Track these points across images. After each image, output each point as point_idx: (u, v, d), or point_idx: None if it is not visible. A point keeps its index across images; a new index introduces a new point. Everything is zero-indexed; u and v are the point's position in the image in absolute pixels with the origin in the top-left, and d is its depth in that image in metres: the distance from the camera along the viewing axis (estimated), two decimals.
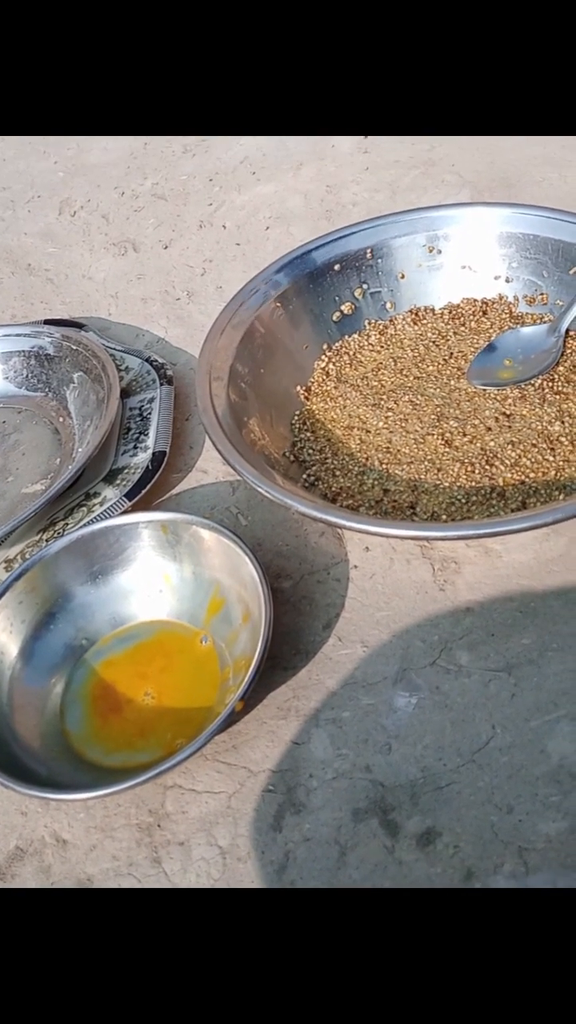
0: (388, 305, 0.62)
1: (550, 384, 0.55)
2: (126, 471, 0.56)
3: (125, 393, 0.61)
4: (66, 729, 0.46)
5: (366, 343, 0.61)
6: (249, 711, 0.45)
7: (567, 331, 0.57)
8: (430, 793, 0.41)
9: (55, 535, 0.53)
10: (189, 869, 0.41)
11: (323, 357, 0.61)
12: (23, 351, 0.66)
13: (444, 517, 0.49)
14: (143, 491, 0.54)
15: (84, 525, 0.51)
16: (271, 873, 0.40)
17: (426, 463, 0.52)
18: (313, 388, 0.59)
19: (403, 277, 0.62)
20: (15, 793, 0.41)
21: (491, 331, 0.59)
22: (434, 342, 0.60)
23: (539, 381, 0.55)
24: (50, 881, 0.42)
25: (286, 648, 0.47)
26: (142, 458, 0.56)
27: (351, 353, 0.61)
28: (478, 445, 0.52)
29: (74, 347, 0.64)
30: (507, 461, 0.51)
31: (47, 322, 0.68)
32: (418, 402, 0.56)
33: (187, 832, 0.42)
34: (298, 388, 0.59)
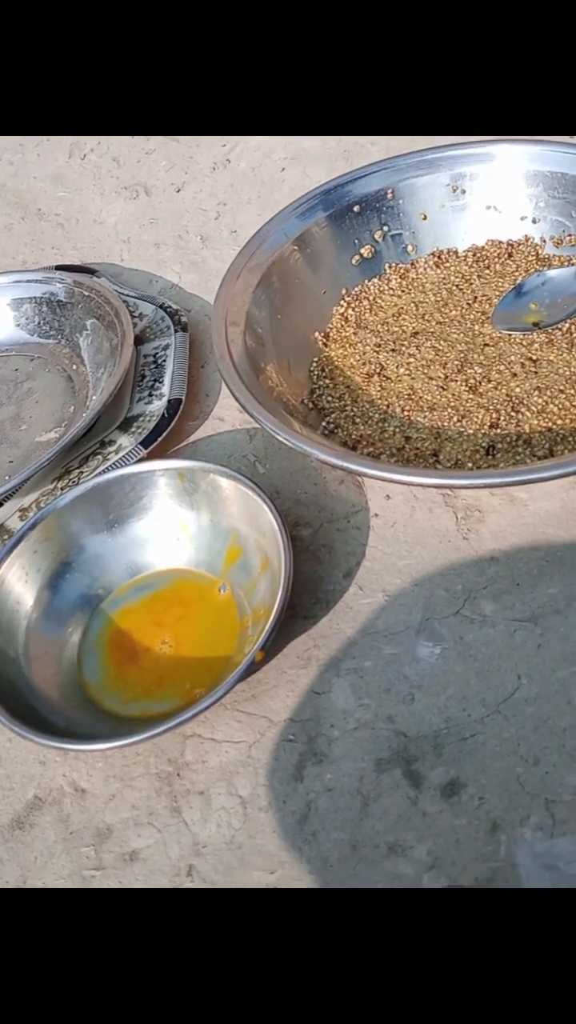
0: (409, 248, 0.60)
1: None
2: (141, 419, 0.55)
3: (139, 340, 0.60)
4: (83, 679, 0.45)
5: (386, 287, 0.59)
6: (269, 660, 0.44)
7: None
8: (454, 744, 0.40)
9: (70, 484, 0.52)
10: (209, 818, 0.40)
11: (342, 302, 0.59)
12: (34, 297, 0.64)
13: (468, 465, 0.48)
14: (159, 439, 0.53)
15: (99, 473, 0.50)
16: (292, 823, 0.39)
17: (449, 410, 0.51)
18: (332, 334, 0.58)
19: (425, 218, 0.60)
20: (33, 743, 0.41)
21: (517, 274, 0.57)
22: (457, 286, 0.58)
23: (567, 325, 0.53)
24: (69, 831, 0.41)
25: (306, 597, 0.46)
26: (157, 406, 0.55)
27: (371, 298, 0.59)
28: (503, 391, 0.51)
29: (86, 293, 0.62)
30: (533, 408, 0.50)
31: (58, 268, 0.67)
32: (440, 348, 0.54)
33: (207, 781, 0.41)
34: (316, 334, 0.58)
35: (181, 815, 0.41)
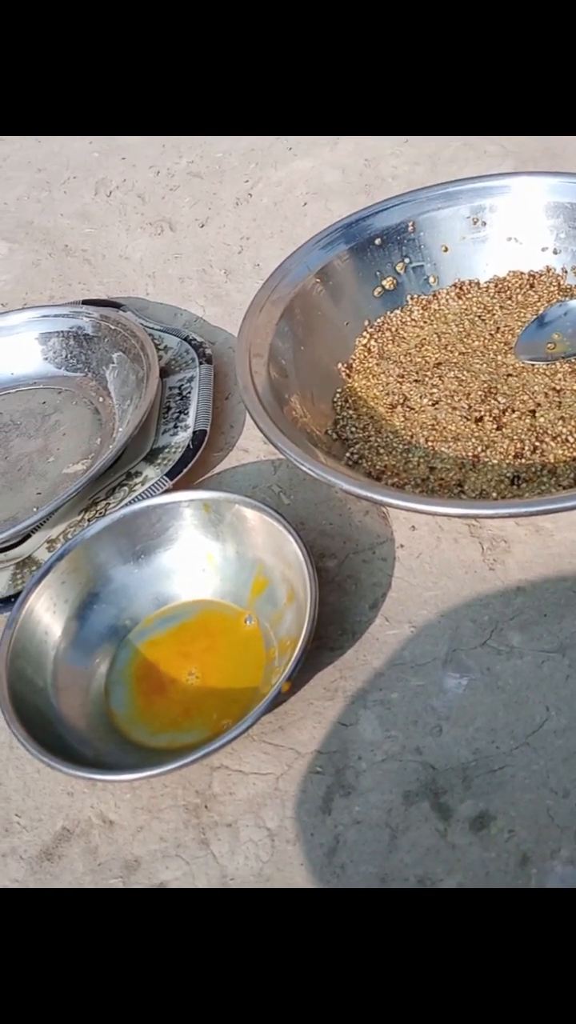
0: (431, 279, 0.61)
1: None
2: (167, 450, 0.55)
3: (164, 372, 0.61)
4: (111, 709, 0.45)
5: (409, 319, 0.60)
6: (295, 692, 0.44)
7: None
8: (483, 776, 0.40)
9: (97, 515, 0.53)
10: (237, 851, 0.40)
11: (365, 333, 0.60)
12: (62, 332, 0.65)
13: (493, 495, 0.48)
14: (184, 470, 0.53)
15: (126, 505, 0.51)
16: (320, 856, 0.39)
17: (473, 440, 0.51)
18: (355, 365, 0.58)
19: (446, 250, 0.61)
20: (61, 774, 0.41)
21: (539, 304, 0.58)
22: (479, 316, 0.59)
23: None
24: (97, 863, 0.41)
25: (332, 628, 0.46)
26: (183, 437, 0.56)
27: (393, 329, 0.60)
28: (527, 421, 0.51)
29: (113, 327, 0.63)
30: (558, 437, 0.50)
31: (85, 302, 0.68)
32: (464, 378, 0.55)
33: (235, 814, 0.41)
34: (339, 365, 0.58)
35: (209, 847, 0.41)
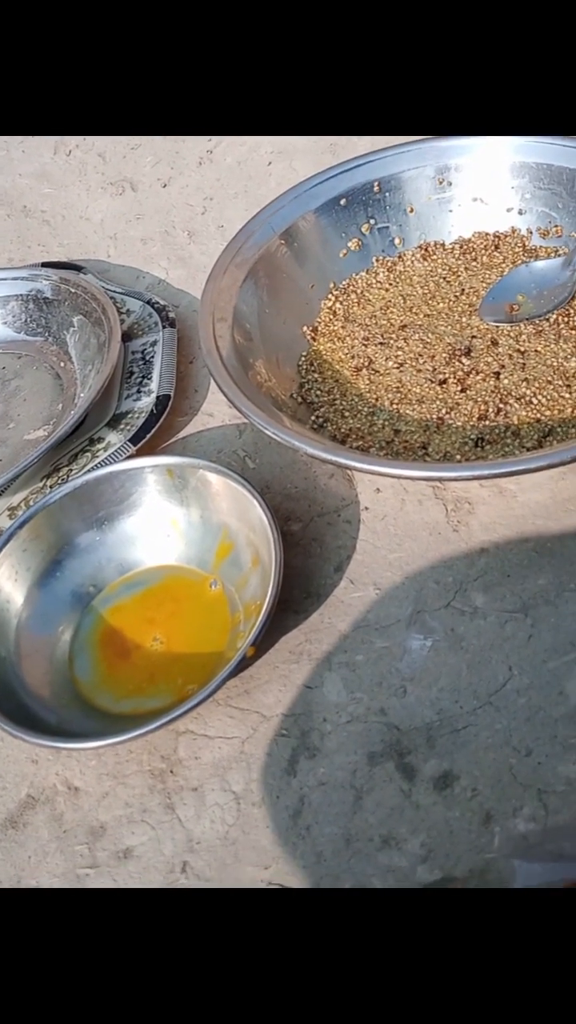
0: (396, 241, 0.60)
1: (565, 319, 0.53)
2: (130, 415, 0.54)
3: (127, 336, 0.60)
4: (75, 676, 0.45)
5: (374, 280, 0.59)
6: (261, 656, 0.44)
7: None
8: (447, 736, 0.40)
9: (59, 481, 0.52)
10: (203, 815, 0.40)
11: (330, 296, 0.59)
12: (21, 295, 0.64)
13: (457, 457, 0.48)
14: (148, 435, 0.53)
15: (88, 471, 0.50)
16: (285, 818, 0.40)
17: (438, 402, 0.51)
18: (320, 328, 0.58)
19: (412, 211, 0.60)
20: (25, 742, 0.41)
21: (504, 266, 0.57)
22: (444, 278, 0.58)
23: (554, 316, 0.53)
24: (63, 829, 0.41)
25: (297, 591, 0.46)
26: (146, 402, 0.55)
27: (359, 291, 0.59)
28: (491, 383, 0.51)
29: (73, 290, 0.62)
30: (522, 399, 0.50)
31: (45, 265, 0.67)
32: (429, 340, 0.54)
33: (200, 778, 0.41)
34: (305, 328, 0.58)
35: (175, 812, 0.41)
